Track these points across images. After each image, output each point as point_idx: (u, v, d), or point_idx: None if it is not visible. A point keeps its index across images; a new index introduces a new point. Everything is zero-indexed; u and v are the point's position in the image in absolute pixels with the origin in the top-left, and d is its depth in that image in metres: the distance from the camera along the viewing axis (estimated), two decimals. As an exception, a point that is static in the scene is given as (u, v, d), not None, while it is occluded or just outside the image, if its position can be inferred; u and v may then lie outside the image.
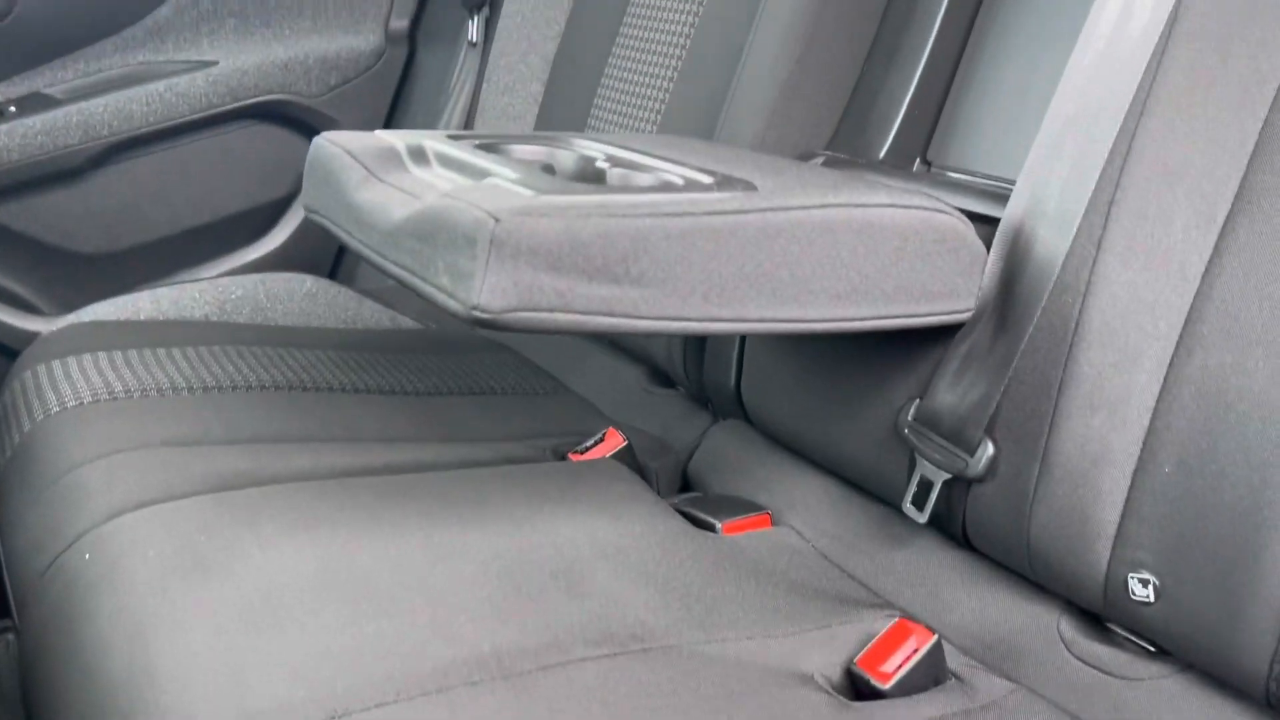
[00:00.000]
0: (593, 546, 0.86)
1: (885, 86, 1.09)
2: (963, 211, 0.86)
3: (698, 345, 1.15)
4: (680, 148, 0.94)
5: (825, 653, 0.78)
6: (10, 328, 1.47)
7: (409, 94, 1.67)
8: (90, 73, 1.49)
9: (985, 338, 0.84)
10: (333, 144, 0.87)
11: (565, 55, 1.50)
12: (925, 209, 0.81)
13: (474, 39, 1.56)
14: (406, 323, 1.49)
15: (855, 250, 0.77)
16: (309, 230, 1.63)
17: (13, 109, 1.44)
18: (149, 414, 1.04)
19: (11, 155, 1.43)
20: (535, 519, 0.89)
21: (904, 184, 0.97)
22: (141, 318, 1.34)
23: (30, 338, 1.36)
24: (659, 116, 1.28)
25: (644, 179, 0.82)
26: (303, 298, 1.45)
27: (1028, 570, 0.84)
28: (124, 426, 1.01)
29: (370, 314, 1.48)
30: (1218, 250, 0.74)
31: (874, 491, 0.97)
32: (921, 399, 0.88)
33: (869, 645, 0.79)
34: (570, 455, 1.09)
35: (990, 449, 0.83)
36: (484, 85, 1.55)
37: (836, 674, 0.77)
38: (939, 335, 0.86)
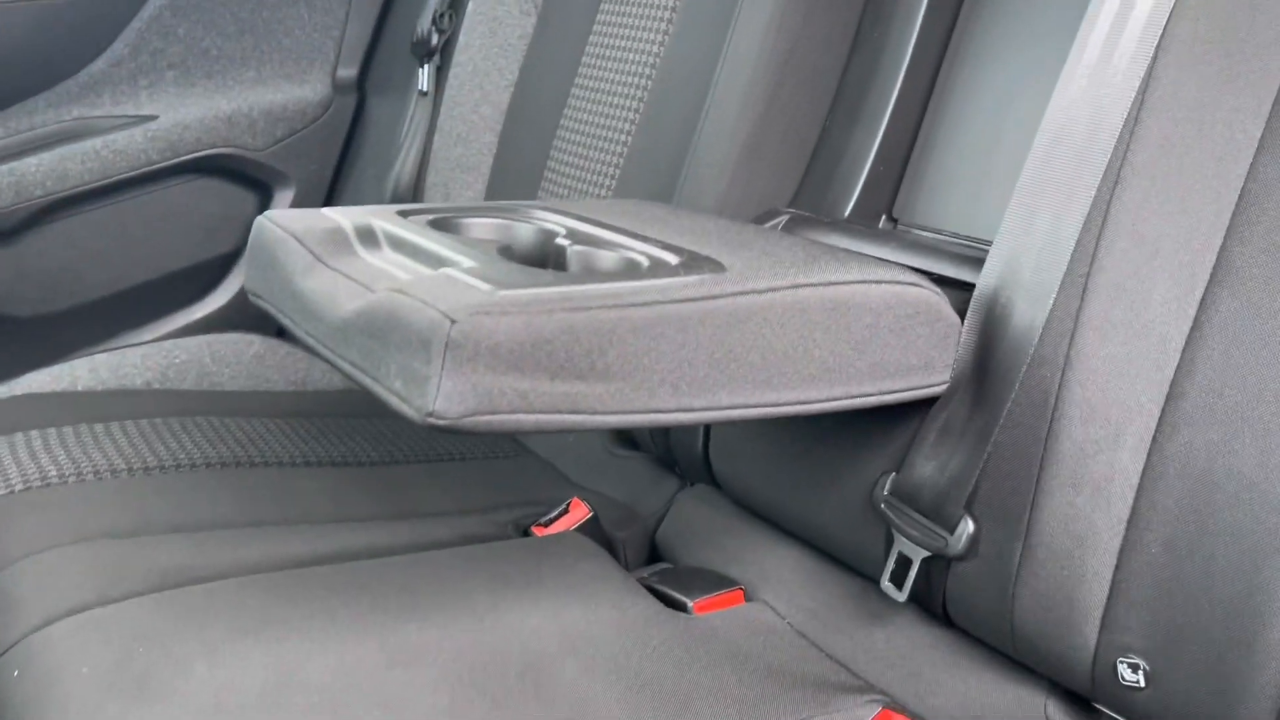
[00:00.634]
0: (560, 638, 0.82)
1: (849, 143, 1.06)
2: (934, 276, 0.84)
3: (663, 409, 1.12)
4: (642, 217, 0.91)
5: (807, 750, 0.75)
6: (-62, 399, 1.40)
7: (359, 145, 1.61)
8: (22, 130, 1.42)
9: (963, 410, 0.81)
10: (275, 225, 0.82)
11: (519, 106, 1.47)
12: (898, 282, 0.78)
13: (425, 88, 1.51)
14: (359, 383, 1.45)
15: (828, 330, 0.74)
16: (256, 286, 1.58)
17: (-60, 170, 1.38)
18: (85, 502, 0.99)
19: (-60, 218, 1.37)
20: (499, 608, 0.85)
21: (873, 247, 0.95)
22: (79, 388, 1.29)
23: (-41, 410, 1.29)
24: (618, 171, 1.25)
25: (607, 259, 0.78)
26: (250, 360, 1.40)
27: (1012, 651, 0.81)
28: (58, 517, 0.96)
29: (321, 375, 1.43)
30: (1197, 323, 0.72)
31: (850, 565, 0.94)
32: (898, 472, 0.85)
33: (852, 740, 0.76)
34: (534, 529, 1.06)
35: (970, 526, 0.80)
36: (436, 135, 1.51)
37: (819, 773, 0.74)
38: (915, 406, 0.84)
